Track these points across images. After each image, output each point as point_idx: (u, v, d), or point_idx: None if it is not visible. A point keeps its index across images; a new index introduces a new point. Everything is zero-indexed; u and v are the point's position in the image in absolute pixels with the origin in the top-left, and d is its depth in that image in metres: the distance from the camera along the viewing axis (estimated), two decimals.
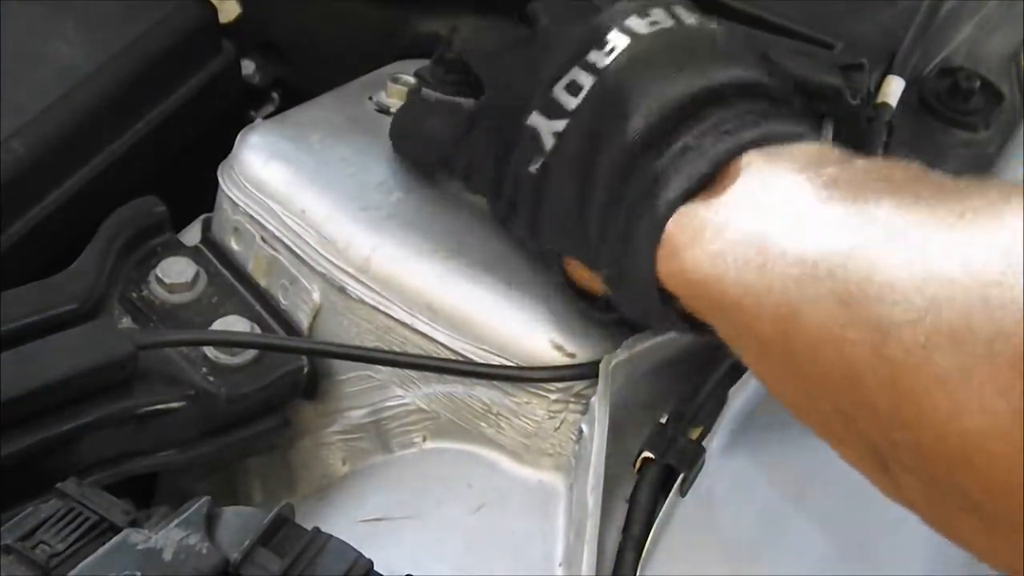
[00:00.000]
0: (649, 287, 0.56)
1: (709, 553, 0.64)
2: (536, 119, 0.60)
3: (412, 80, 0.75)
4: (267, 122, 0.78)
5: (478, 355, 0.66)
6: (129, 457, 0.67)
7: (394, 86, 0.76)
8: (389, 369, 0.69)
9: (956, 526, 0.47)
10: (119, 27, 0.81)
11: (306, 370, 0.69)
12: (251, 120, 0.91)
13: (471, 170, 0.65)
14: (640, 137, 0.56)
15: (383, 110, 0.76)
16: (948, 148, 0.76)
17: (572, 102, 0.59)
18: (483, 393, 0.66)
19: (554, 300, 0.66)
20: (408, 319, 0.67)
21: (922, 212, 0.47)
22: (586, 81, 0.58)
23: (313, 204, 0.70)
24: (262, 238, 0.72)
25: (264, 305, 0.72)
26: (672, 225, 0.55)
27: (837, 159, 0.54)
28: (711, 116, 0.56)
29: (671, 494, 0.63)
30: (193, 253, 0.73)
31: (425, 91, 0.69)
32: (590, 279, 0.62)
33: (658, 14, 0.59)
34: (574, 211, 0.59)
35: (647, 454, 0.64)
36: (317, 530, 0.55)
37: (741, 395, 0.66)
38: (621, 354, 0.64)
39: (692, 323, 0.57)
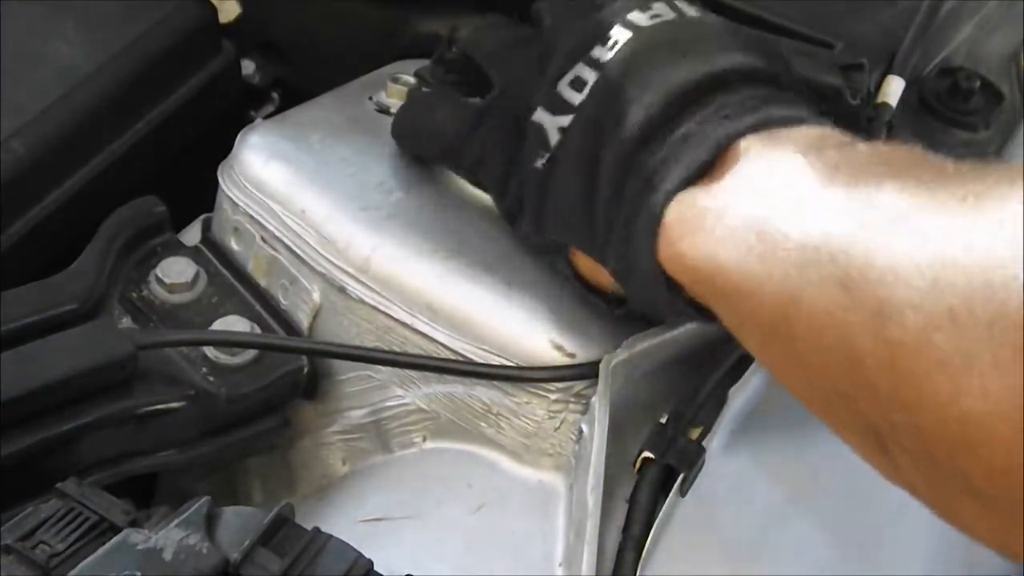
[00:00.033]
0: (654, 277, 0.56)
1: (709, 553, 0.64)
2: (541, 115, 0.60)
3: (412, 80, 0.76)
4: (267, 122, 0.78)
5: (478, 355, 0.66)
6: (129, 457, 0.67)
7: (394, 86, 0.76)
8: (389, 369, 0.69)
9: (957, 509, 0.47)
10: (119, 27, 0.81)
11: (306, 370, 0.69)
12: (251, 120, 0.91)
13: (478, 166, 0.65)
14: (641, 127, 0.56)
15: (383, 110, 0.76)
16: (948, 148, 0.75)
17: (577, 98, 0.59)
18: (483, 393, 0.66)
19: (554, 300, 0.66)
20: (408, 319, 0.67)
21: (924, 196, 0.47)
22: (590, 76, 0.59)
23: (313, 204, 0.70)
24: (262, 238, 0.72)
25: (264, 305, 0.72)
26: (673, 213, 0.55)
27: (838, 143, 0.54)
28: (713, 102, 0.56)
29: (671, 494, 0.63)
30: (193, 253, 0.73)
31: (425, 91, 0.69)
32: (598, 272, 0.62)
33: (659, 7, 0.60)
34: (579, 205, 0.59)
35: (647, 454, 0.64)
36: (317, 530, 0.55)
37: (741, 395, 0.66)
38: (621, 354, 0.64)
39: (701, 311, 0.57)
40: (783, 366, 0.53)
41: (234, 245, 0.73)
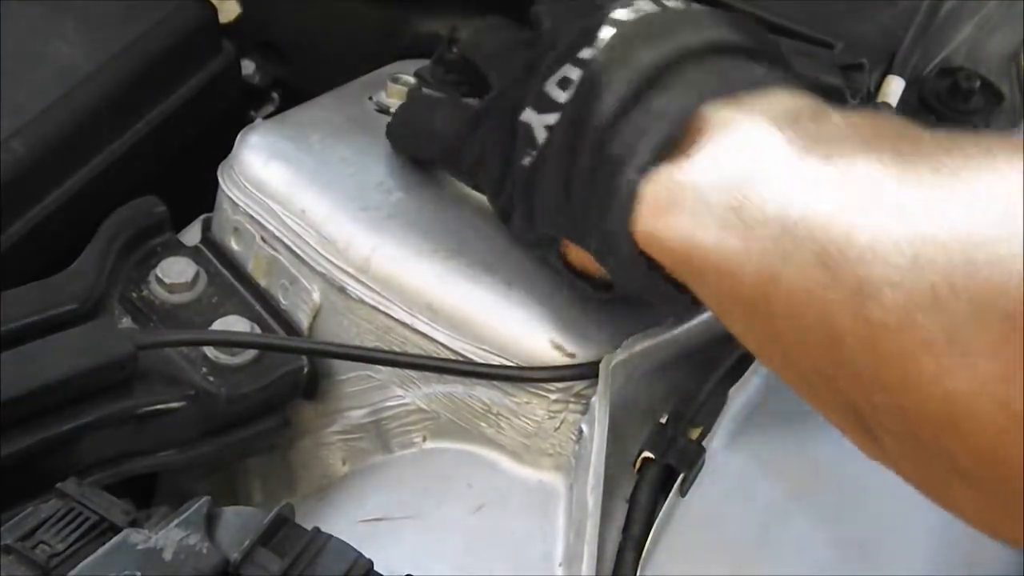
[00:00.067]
0: (632, 258, 0.56)
1: (709, 553, 0.64)
2: (529, 115, 0.60)
3: (412, 80, 0.76)
4: (267, 122, 0.78)
5: (478, 355, 0.66)
6: (129, 457, 0.67)
7: (394, 86, 0.76)
8: (389, 369, 0.69)
9: (945, 491, 0.47)
10: (119, 27, 0.82)
11: (306, 370, 0.69)
12: (251, 120, 0.91)
13: (478, 167, 0.65)
14: (613, 111, 0.56)
15: (383, 110, 0.76)
16: None
17: (563, 96, 0.59)
18: (483, 393, 0.66)
19: (554, 300, 0.66)
20: (408, 319, 0.67)
21: (902, 169, 0.47)
22: (575, 75, 0.59)
23: (313, 204, 0.70)
24: (262, 238, 0.72)
25: (264, 305, 0.72)
26: (648, 191, 0.54)
27: (812, 113, 0.53)
28: (681, 77, 0.56)
29: (671, 494, 0.63)
30: (193, 253, 0.73)
31: (426, 91, 0.69)
32: (585, 259, 0.62)
33: (643, 4, 0.60)
34: (563, 195, 0.59)
35: (647, 454, 0.64)
36: (317, 530, 0.55)
37: (741, 395, 0.66)
38: (621, 354, 0.64)
39: (682, 289, 0.57)
40: (763, 345, 0.53)
41: (234, 245, 0.73)
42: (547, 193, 0.60)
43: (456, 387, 0.67)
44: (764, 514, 0.65)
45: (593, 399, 0.64)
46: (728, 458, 0.65)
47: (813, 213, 0.48)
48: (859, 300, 0.45)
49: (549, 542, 0.64)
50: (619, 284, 0.62)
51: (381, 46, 0.85)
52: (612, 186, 0.56)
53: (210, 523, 0.53)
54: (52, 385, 0.63)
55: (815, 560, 0.64)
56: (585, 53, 0.59)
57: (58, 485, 0.56)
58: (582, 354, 0.65)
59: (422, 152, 0.71)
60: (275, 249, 0.71)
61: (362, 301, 0.68)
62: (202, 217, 0.76)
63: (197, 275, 0.72)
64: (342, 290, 0.69)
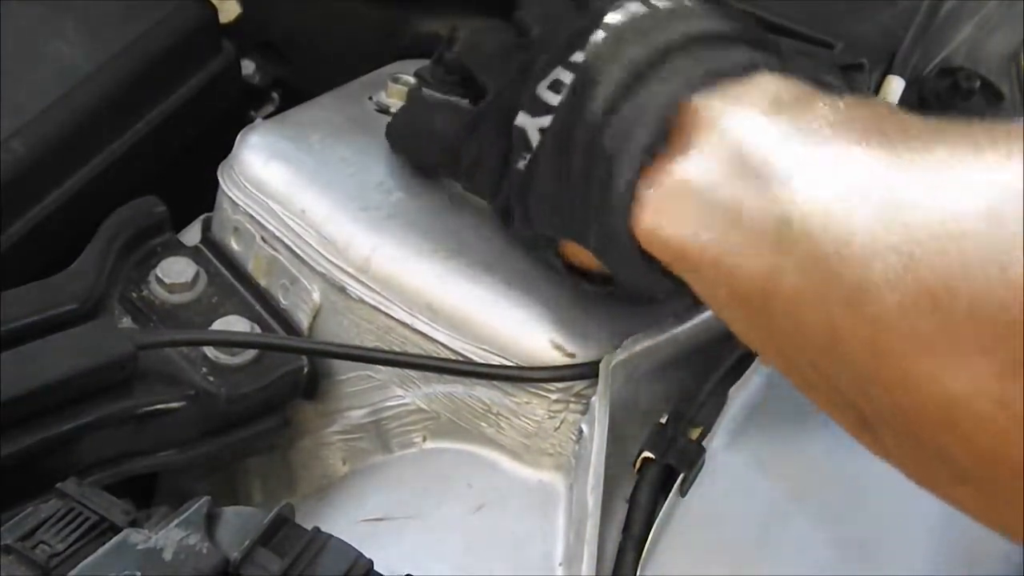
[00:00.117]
0: (631, 254, 0.56)
1: (709, 553, 0.64)
2: (523, 119, 0.60)
3: (412, 80, 0.75)
4: (267, 122, 0.78)
5: (478, 355, 0.66)
6: (129, 457, 0.67)
7: (394, 86, 0.76)
8: (389, 369, 0.69)
9: (946, 489, 0.47)
10: (119, 27, 0.82)
11: (306, 370, 0.69)
12: (251, 120, 0.91)
13: (475, 168, 0.65)
14: (602, 108, 0.56)
15: (383, 110, 0.76)
16: None
17: (555, 99, 0.59)
18: (483, 393, 0.66)
19: (554, 300, 0.66)
20: (408, 319, 0.67)
21: (891, 158, 0.47)
22: (567, 78, 0.59)
23: (313, 204, 0.70)
24: (262, 238, 0.72)
25: (264, 305, 0.72)
26: (644, 190, 0.54)
27: (799, 99, 0.53)
28: (669, 68, 0.56)
29: (671, 494, 0.63)
30: (193, 253, 0.73)
31: (426, 91, 0.69)
32: (587, 257, 0.62)
33: (634, 6, 0.60)
34: (559, 196, 0.59)
35: (647, 454, 0.64)
36: (317, 530, 0.55)
37: (741, 395, 0.66)
38: (621, 354, 0.64)
39: (682, 284, 0.57)
40: (763, 341, 0.53)
41: (234, 245, 0.73)
42: (543, 194, 0.60)
43: (456, 387, 0.67)
44: (764, 514, 0.65)
45: (593, 399, 0.64)
46: (728, 458, 0.65)
47: (809, 211, 0.48)
48: (857, 300, 0.45)
49: (549, 542, 0.64)
50: (620, 280, 0.62)
51: (381, 46, 0.85)
52: (609, 185, 0.56)
53: (210, 523, 0.53)
54: (52, 385, 0.63)
55: (815, 560, 0.64)
56: (577, 56, 0.59)
57: (58, 485, 0.56)
58: (582, 354, 0.65)
59: (421, 153, 0.71)
60: (275, 249, 0.71)
61: (362, 301, 0.68)
62: (202, 217, 0.76)
63: (197, 275, 0.72)
64: (342, 290, 0.69)
